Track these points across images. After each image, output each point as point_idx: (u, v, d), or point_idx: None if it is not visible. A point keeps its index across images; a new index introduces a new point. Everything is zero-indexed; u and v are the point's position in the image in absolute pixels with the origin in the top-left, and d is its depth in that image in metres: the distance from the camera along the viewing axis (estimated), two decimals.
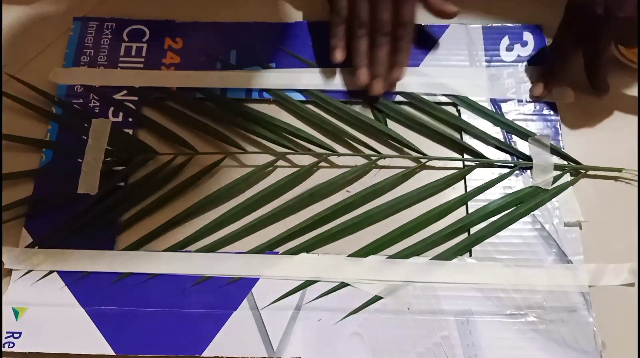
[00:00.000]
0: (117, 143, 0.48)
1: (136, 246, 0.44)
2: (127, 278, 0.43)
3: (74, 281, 0.43)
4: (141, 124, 0.50)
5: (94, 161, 0.47)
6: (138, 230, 0.45)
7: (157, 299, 0.42)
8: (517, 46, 0.51)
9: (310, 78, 0.51)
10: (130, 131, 0.49)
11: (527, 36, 0.52)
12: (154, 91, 0.51)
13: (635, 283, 0.42)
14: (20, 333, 0.41)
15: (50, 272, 0.43)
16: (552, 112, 0.48)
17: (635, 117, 0.48)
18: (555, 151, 0.46)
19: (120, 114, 0.50)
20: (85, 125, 0.49)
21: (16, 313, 0.42)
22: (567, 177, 0.45)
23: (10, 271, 0.43)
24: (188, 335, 0.40)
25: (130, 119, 0.50)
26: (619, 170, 0.45)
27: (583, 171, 0.46)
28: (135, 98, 0.50)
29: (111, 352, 0.40)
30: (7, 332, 0.41)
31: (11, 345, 0.40)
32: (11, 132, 0.48)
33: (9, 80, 0.50)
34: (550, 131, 0.47)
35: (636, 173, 0.45)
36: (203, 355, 0.40)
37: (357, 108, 0.49)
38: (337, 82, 0.50)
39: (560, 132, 0.47)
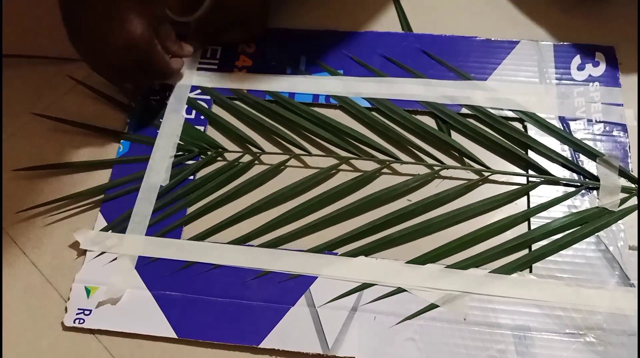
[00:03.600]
0: (188, 139, 0.51)
1: (201, 237, 0.46)
2: (192, 266, 0.45)
3: (143, 265, 0.45)
4: (212, 122, 0.52)
5: (165, 154, 0.49)
6: (204, 222, 0.47)
7: (218, 289, 0.44)
8: (589, 66, 0.51)
9: (376, 86, 0.52)
10: (202, 128, 0.51)
11: (599, 56, 0.51)
12: (226, 91, 0.53)
13: None
14: (90, 310, 0.43)
15: (121, 255, 0.45)
16: (621, 134, 0.48)
17: None
18: (624, 173, 0.45)
19: (193, 111, 0.52)
20: (161, 120, 0.51)
21: (88, 291, 0.44)
22: (634, 200, 0.45)
23: (84, 251, 0.46)
24: (247, 325, 0.42)
25: (202, 117, 0.52)
26: None
27: None
28: (208, 97, 0.53)
29: (174, 335, 0.42)
30: (78, 309, 0.43)
31: (81, 321, 0.43)
32: (93, 123, 0.52)
33: (93, 73, 0.53)
34: (619, 153, 0.47)
35: None
36: (260, 346, 0.41)
37: (421, 118, 0.50)
38: (403, 92, 0.51)
39: (629, 154, 0.47)
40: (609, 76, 0.50)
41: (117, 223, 0.47)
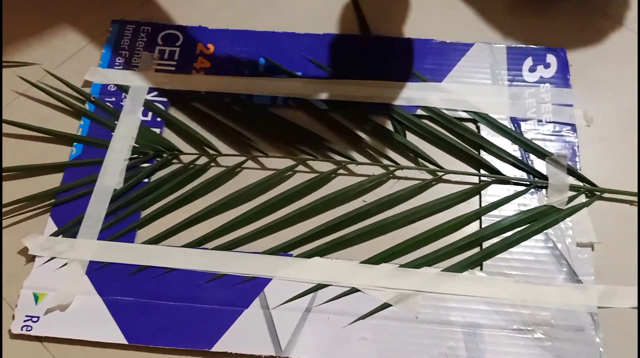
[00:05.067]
0: (144, 141, 0.50)
1: (156, 240, 0.46)
2: (145, 270, 0.44)
3: (95, 270, 0.44)
4: (168, 124, 0.51)
5: (119, 156, 0.49)
6: (159, 225, 0.47)
7: (172, 292, 0.43)
8: (540, 67, 0.52)
9: (334, 88, 0.52)
10: (158, 131, 0.51)
11: (551, 58, 0.53)
12: (183, 93, 0.53)
13: None
14: (38, 317, 0.42)
15: (72, 260, 0.44)
16: (571, 134, 0.49)
17: None
18: (572, 172, 0.47)
19: (150, 113, 0.52)
20: (116, 122, 0.51)
21: (36, 298, 0.43)
22: (582, 198, 0.46)
23: (33, 257, 0.45)
24: (199, 329, 0.42)
25: (158, 119, 0.51)
26: (635, 194, 0.45)
27: (598, 193, 0.46)
28: (165, 99, 0.52)
29: (124, 341, 0.41)
30: (26, 316, 0.42)
31: (29, 328, 0.42)
32: (45, 126, 0.51)
33: (46, 76, 0.52)
34: (568, 152, 0.48)
35: None
36: (212, 349, 0.41)
37: (378, 119, 0.50)
38: (360, 93, 0.51)
39: (577, 154, 0.48)
40: (559, 77, 0.52)
41: (68, 228, 0.46)
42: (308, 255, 0.44)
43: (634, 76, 0.52)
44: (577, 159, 0.48)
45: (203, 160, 0.49)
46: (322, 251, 0.45)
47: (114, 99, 0.52)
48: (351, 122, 0.50)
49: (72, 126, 0.51)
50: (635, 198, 0.46)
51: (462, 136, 0.49)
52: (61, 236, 0.46)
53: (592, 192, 0.46)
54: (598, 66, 0.53)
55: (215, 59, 0.55)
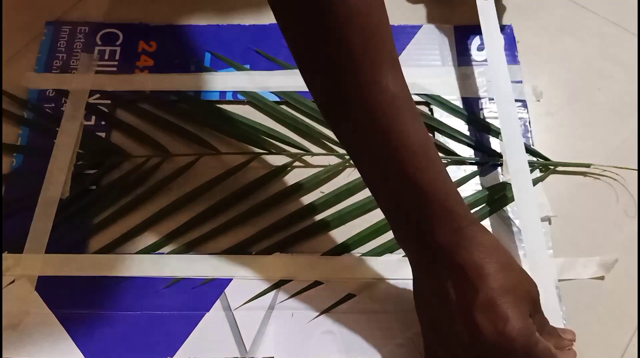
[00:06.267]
0: (88, 146, 0.48)
1: (108, 248, 0.44)
2: (98, 281, 0.42)
3: (44, 285, 0.42)
4: (114, 127, 0.49)
5: (63, 165, 0.46)
6: (110, 232, 0.45)
7: (129, 302, 0.41)
8: None
9: (284, 79, 0.51)
10: (103, 134, 0.49)
11: None
12: (127, 94, 0.50)
13: (604, 276, 0.42)
14: None
15: (19, 277, 0.42)
16: (522, 110, 0.49)
17: (602, 114, 0.49)
18: (525, 147, 0.47)
19: (93, 117, 0.49)
20: (57, 129, 0.48)
21: None
22: (536, 173, 0.46)
23: None
24: (160, 337, 0.40)
25: (102, 123, 0.49)
26: (587, 166, 0.46)
27: (552, 167, 0.46)
28: (108, 101, 0.50)
29: (81, 357, 0.39)
30: None
31: None
32: None
33: None
34: (520, 128, 0.48)
35: (604, 168, 0.46)
36: (175, 357, 0.39)
37: None
38: None
39: (529, 129, 0.48)
40: (508, 55, 0.52)
41: (13, 243, 0.43)
42: (268, 251, 0.43)
43: (577, 48, 0.53)
44: (529, 134, 0.48)
45: (153, 162, 0.47)
46: (282, 247, 0.44)
47: (53, 104, 0.50)
48: (304, 114, 0.49)
49: (10, 135, 0.48)
50: (587, 169, 0.46)
51: None
52: (6, 252, 0.43)
53: (546, 166, 0.46)
54: (544, 41, 0.53)
55: (158, 56, 0.53)
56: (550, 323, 0.35)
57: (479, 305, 0.31)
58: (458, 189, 0.45)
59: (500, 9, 0.54)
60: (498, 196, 0.45)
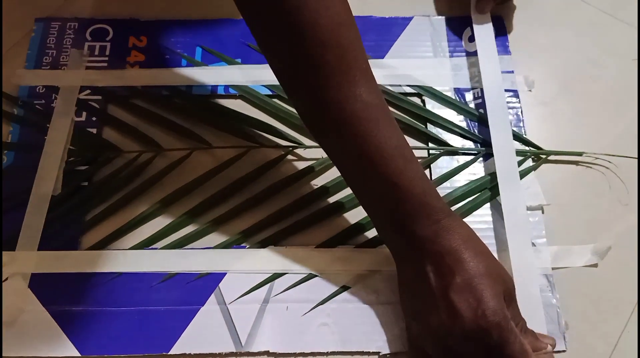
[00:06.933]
0: (80, 143, 0.48)
1: (102, 245, 0.44)
2: (92, 277, 0.42)
3: (38, 282, 0.42)
4: (106, 122, 0.49)
5: (54, 161, 0.46)
6: (103, 228, 0.44)
7: (123, 298, 0.41)
8: None
9: None
10: (94, 131, 0.48)
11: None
12: (118, 89, 0.50)
13: (598, 264, 0.42)
14: None
15: (12, 274, 0.42)
16: (514, 99, 0.49)
17: (595, 104, 0.49)
18: (518, 137, 0.47)
19: (84, 113, 0.49)
20: (48, 125, 0.48)
21: None
22: (529, 162, 0.46)
23: None
24: (155, 333, 0.40)
25: (94, 119, 0.49)
26: (580, 154, 0.46)
27: (544, 156, 0.46)
28: (99, 97, 0.50)
29: (76, 354, 0.39)
30: None
31: None
32: None
33: None
34: (512, 118, 0.48)
35: (596, 156, 0.46)
36: (170, 352, 0.39)
37: None
38: None
39: (522, 118, 0.48)
40: (499, 45, 0.52)
41: (5, 241, 0.43)
42: (262, 244, 0.43)
43: (569, 37, 0.53)
44: (521, 124, 0.48)
45: (145, 157, 0.47)
46: (276, 240, 0.43)
47: (43, 101, 0.49)
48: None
49: (2, 133, 0.48)
50: (579, 158, 0.46)
51: (408, 111, 0.49)
52: None
53: (538, 155, 0.46)
54: (535, 31, 0.53)
55: (149, 51, 0.52)
56: (540, 317, 0.37)
57: (455, 286, 0.33)
58: (452, 179, 0.45)
59: (510, 8, 0.54)
60: (491, 186, 0.45)
